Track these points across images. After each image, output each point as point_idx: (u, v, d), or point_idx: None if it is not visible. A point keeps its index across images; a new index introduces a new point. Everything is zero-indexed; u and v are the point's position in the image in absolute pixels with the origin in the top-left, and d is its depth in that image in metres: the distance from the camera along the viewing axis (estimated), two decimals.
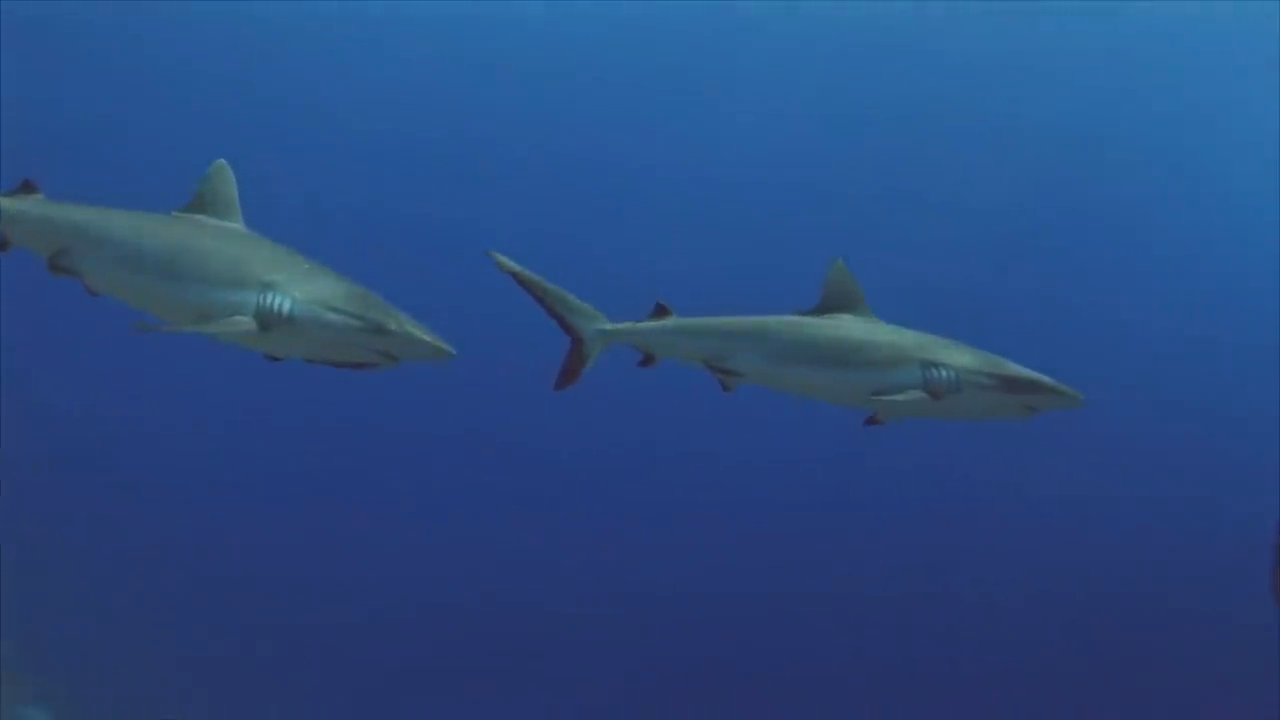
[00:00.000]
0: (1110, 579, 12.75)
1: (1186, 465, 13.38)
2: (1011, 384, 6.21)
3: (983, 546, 12.55)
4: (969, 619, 12.44)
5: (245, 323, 5.37)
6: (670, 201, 14.20)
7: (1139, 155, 14.93)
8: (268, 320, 5.37)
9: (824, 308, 6.55)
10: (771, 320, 6.54)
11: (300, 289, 5.44)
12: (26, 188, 5.96)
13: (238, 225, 5.93)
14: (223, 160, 6.04)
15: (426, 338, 5.40)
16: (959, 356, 6.27)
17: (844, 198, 14.08)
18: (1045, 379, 6.26)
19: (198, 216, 5.93)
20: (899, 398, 6.18)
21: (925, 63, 14.68)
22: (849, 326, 6.45)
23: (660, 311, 6.56)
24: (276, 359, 5.73)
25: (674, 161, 14.45)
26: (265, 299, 5.39)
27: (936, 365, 6.22)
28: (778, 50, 14.79)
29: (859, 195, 14.13)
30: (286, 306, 5.36)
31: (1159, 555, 12.83)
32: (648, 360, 6.57)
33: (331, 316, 5.37)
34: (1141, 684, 12.02)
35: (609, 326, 6.54)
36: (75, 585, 11.62)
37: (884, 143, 14.51)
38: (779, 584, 12.17)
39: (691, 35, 14.87)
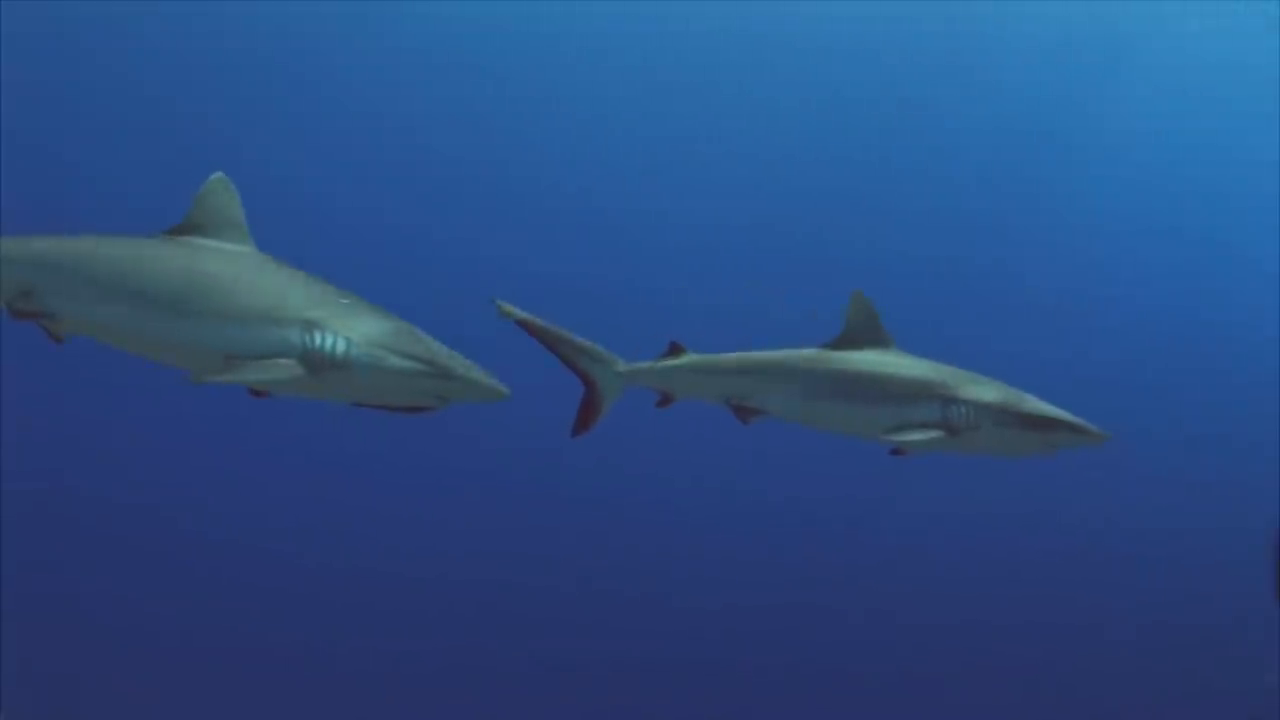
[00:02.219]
0: (1108, 579, 12.77)
1: (1186, 464, 13.42)
2: (1032, 421, 6.14)
3: (980, 548, 12.55)
4: (963, 620, 12.43)
5: (291, 367, 4.75)
6: (676, 231, 14.07)
7: (1137, 158, 14.96)
8: (317, 364, 4.77)
9: (845, 340, 6.45)
10: (792, 356, 6.45)
11: (351, 329, 4.84)
12: None
13: (250, 249, 5.20)
14: (222, 174, 5.28)
15: (487, 380, 4.97)
16: (980, 392, 6.19)
17: (861, 223, 13.99)
18: (1066, 416, 6.18)
19: (200, 240, 5.16)
20: (917, 436, 6.12)
21: (944, 78, 14.58)
22: (869, 361, 6.35)
23: (674, 350, 6.43)
24: (260, 395, 5.10)
25: (678, 192, 14.29)
26: (313, 339, 4.79)
27: (956, 401, 6.14)
28: (790, 63, 14.65)
29: (877, 221, 14.02)
30: (341, 349, 4.79)
31: (1158, 554, 12.87)
32: (665, 400, 6.48)
33: (394, 361, 4.84)
34: (1140, 685, 12.05)
35: (625, 368, 6.41)
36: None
37: (904, 166, 14.40)
38: (783, 600, 12.13)
39: (694, 46, 14.73)
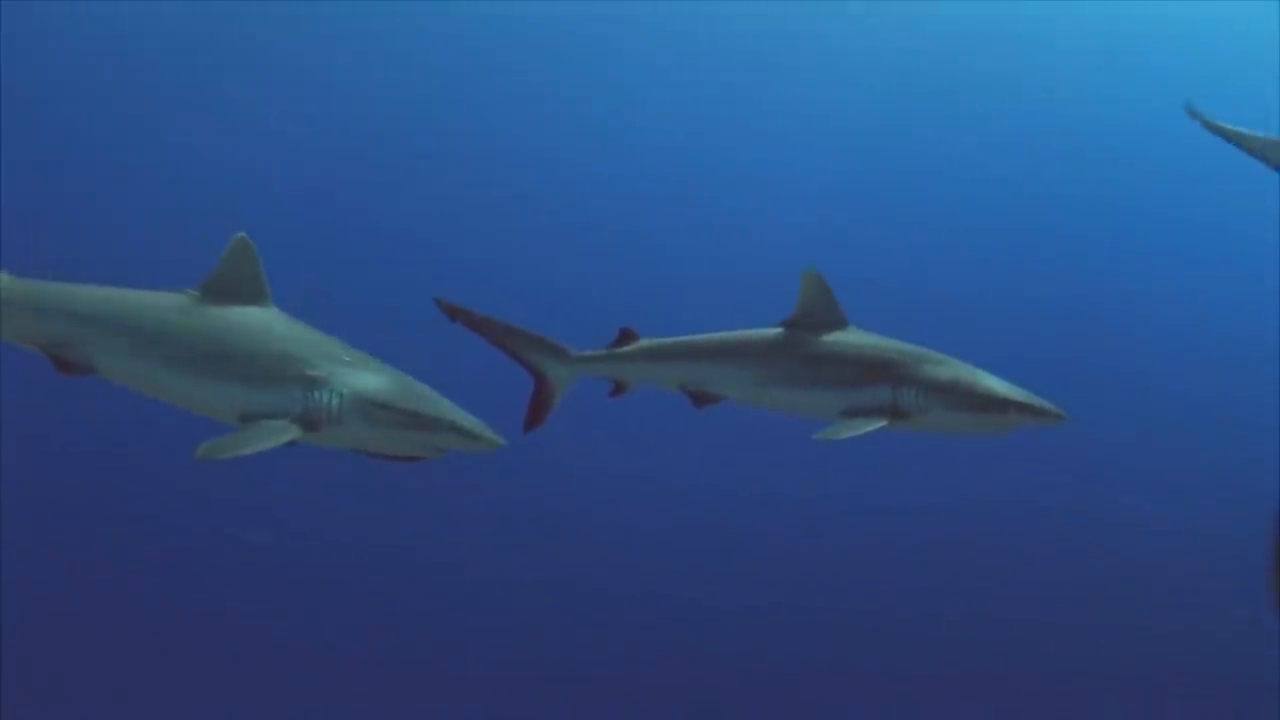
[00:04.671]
0: (1107, 581, 12.63)
1: (1185, 464, 13.28)
2: (986, 403, 5.98)
3: (975, 551, 12.44)
4: (953, 619, 12.29)
5: (287, 429, 5.05)
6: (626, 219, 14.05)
7: (1133, 156, 14.85)
8: (315, 421, 5.10)
9: (798, 318, 6.31)
10: (744, 338, 6.35)
11: (348, 386, 5.16)
12: None
13: (269, 309, 5.53)
14: (244, 235, 5.55)
15: (481, 432, 5.20)
16: (933, 372, 6.04)
17: (822, 194, 13.95)
18: (1020, 396, 6.02)
19: (223, 307, 5.46)
20: (861, 429, 5.91)
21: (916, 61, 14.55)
22: (821, 343, 6.21)
23: (625, 337, 6.35)
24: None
25: (627, 179, 14.28)
26: (312, 397, 5.13)
27: (908, 383, 6.01)
28: (745, 44, 14.66)
29: (837, 192, 13.98)
30: (336, 405, 5.12)
31: (1157, 555, 12.73)
32: (618, 389, 6.38)
33: (386, 416, 5.14)
34: (1139, 686, 11.89)
35: (575, 357, 6.32)
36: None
37: (863, 137, 14.36)
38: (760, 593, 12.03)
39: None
